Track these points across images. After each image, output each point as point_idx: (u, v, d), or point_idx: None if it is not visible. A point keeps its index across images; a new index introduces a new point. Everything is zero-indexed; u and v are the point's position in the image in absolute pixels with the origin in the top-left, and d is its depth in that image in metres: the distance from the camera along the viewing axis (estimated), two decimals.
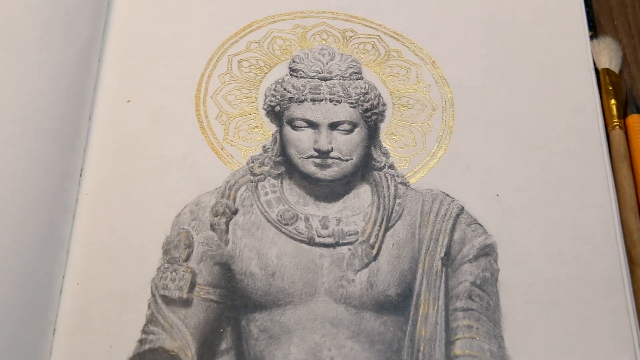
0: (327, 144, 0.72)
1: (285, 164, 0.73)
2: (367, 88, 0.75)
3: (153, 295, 0.67)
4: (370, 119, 0.74)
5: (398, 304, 0.68)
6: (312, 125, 0.73)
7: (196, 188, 0.72)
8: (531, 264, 0.70)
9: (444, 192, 0.73)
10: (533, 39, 0.82)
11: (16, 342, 0.63)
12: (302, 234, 0.70)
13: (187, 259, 0.69)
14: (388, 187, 0.72)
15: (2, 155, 0.67)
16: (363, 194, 0.72)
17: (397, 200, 0.72)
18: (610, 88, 0.79)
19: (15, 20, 0.73)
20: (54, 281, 0.67)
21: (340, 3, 0.82)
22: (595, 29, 0.84)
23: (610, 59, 0.81)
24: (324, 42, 0.80)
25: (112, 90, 0.77)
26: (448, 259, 0.70)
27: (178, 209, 0.71)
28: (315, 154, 0.72)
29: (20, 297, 0.64)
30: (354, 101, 0.74)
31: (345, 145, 0.72)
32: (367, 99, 0.74)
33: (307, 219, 0.71)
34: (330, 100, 0.73)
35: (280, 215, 0.71)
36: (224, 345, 0.66)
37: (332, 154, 0.72)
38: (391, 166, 0.74)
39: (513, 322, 0.67)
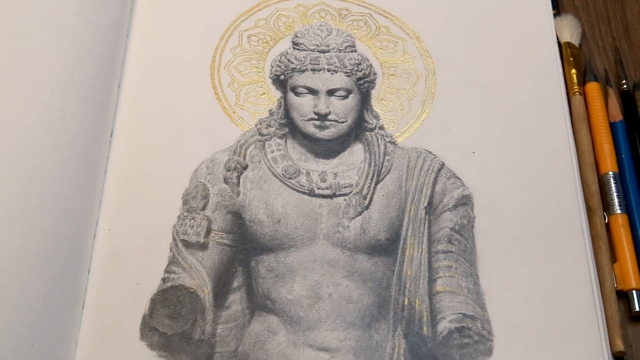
0: (325, 108, 0.72)
1: (289, 126, 0.73)
2: (360, 59, 0.75)
3: (174, 239, 0.67)
4: (363, 86, 0.74)
5: (387, 247, 0.68)
6: (312, 91, 0.72)
7: (211, 146, 0.72)
8: (502, 212, 0.70)
9: (427, 150, 0.73)
10: (505, 16, 0.81)
11: (56, 279, 0.63)
12: (304, 186, 0.70)
13: (203, 208, 0.69)
14: (378, 145, 0.72)
15: (48, 117, 0.67)
16: (357, 151, 0.72)
17: (386, 157, 0.72)
18: (571, 59, 0.79)
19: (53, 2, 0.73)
20: (89, 227, 0.67)
21: None
22: (558, 8, 0.84)
23: (571, 34, 0.81)
24: (322, 20, 0.80)
25: (138, 62, 0.77)
26: (430, 208, 0.70)
27: (195, 165, 0.71)
28: (315, 116, 0.72)
29: (61, 240, 0.64)
30: (348, 71, 0.73)
31: (341, 109, 0.72)
32: (360, 69, 0.74)
33: (308, 174, 0.70)
34: (328, 70, 0.73)
35: (285, 170, 0.71)
36: (235, 283, 0.66)
37: (329, 117, 0.72)
38: (381, 127, 0.74)
39: (487, 262, 0.68)
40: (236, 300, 0.66)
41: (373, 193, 0.70)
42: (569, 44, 0.80)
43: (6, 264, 0.60)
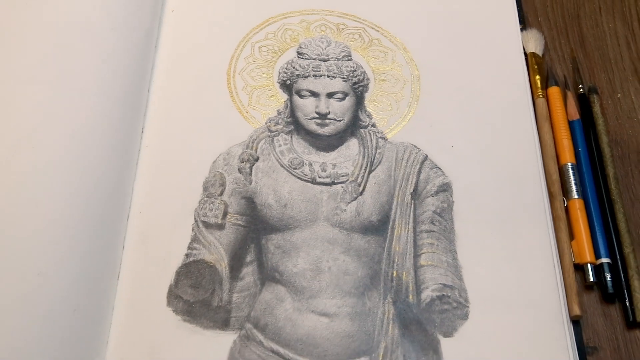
0: (325, 108, 0.72)
1: (294, 124, 0.73)
2: (355, 67, 0.75)
3: (195, 221, 0.67)
4: (358, 89, 0.74)
5: (378, 227, 0.68)
6: (314, 94, 0.73)
7: (227, 141, 0.72)
8: (477, 198, 0.70)
9: (412, 144, 0.73)
10: (479, 30, 0.81)
11: (96, 254, 0.63)
12: (307, 175, 0.70)
13: (221, 194, 0.69)
14: (371, 140, 0.72)
15: (90, 117, 0.67)
16: (352, 145, 0.72)
17: (378, 150, 0.72)
18: (536, 67, 0.79)
19: (91, 16, 0.73)
20: (123, 210, 0.68)
21: (335, 3, 0.82)
22: (524, 23, 0.83)
23: (535, 45, 0.81)
24: (323, 33, 0.79)
25: (165, 70, 0.77)
26: (416, 194, 0.70)
27: (214, 157, 0.71)
28: (317, 116, 0.72)
29: (100, 221, 0.65)
30: (345, 76, 0.74)
31: (339, 109, 0.72)
32: (355, 75, 0.74)
33: (310, 164, 0.71)
34: (328, 76, 0.73)
35: (290, 162, 0.71)
36: (248, 258, 0.66)
37: (329, 116, 0.72)
38: (373, 125, 0.74)
39: (463, 240, 0.68)
40: (249, 273, 0.66)
41: (366, 181, 0.70)
42: (533, 54, 0.80)
43: (57, 241, 0.61)
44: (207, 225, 0.67)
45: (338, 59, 0.75)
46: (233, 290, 0.64)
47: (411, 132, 0.74)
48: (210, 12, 0.81)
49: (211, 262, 0.65)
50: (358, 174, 0.70)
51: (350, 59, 0.76)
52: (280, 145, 0.72)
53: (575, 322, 0.65)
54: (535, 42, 0.81)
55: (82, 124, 0.67)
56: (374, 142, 0.73)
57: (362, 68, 0.76)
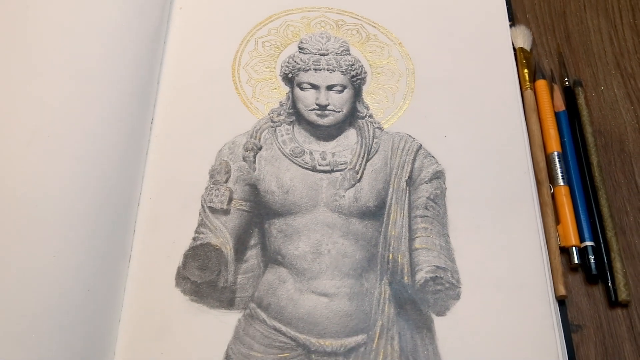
0: (325, 100, 0.72)
1: (295, 115, 0.73)
2: (353, 61, 0.75)
3: (202, 206, 0.67)
4: (356, 82, 0.74)
5: (375, 212, 0.68)
6: (315, 87, 0.73)
7: (232, 131, 0.72)
8: (468, 184, 0.70)
9: (407, 134, 0.73)
10: (471, 26, 0.81)
11: (109, 238, 0.64)
12: (308, 163, 0.70)
13: (226, 181, 0.69)
14: (368, 130, 0.72)
15: (103, 108, 0.68)
16: (351, 135, 0.72)
17: (375, 140, 0.72)
18: (524, 61, 0.79)
19: (106, 15, 0.73)
20: (134, 196, 0.68)
21: (334, 1, 0.82)
22: (513, 20, 0.83)
23: (524, 41, 0.80)
24: (322, 29, 0.79)
25: (173, 64, 0.77)
26: (410, 181, 0.70)
27: (220, 146, 0.71)
28: (317, 107, 0.72)
29: (113, 207, 0.65)
30: (344, 70, 0.74)
31: (338, 101, 0.72)
32: (353, 69, 0.74)
33: (311, 153, 0.71)
34: (327, 70, 0.73)
35: (292, 151, 0.71)
36: (252, 242, 0.66)
37: (328, 107, 0.72)
38: (370, 116, 0.73)
39: (456, 224, 0.68)
40: (253, 255, 0.66)
41: (364, 169, 0.70)
42: (522, 49, 0.80)
43: (72, 225, 0.61)
44: (213, 210, 0.67)
45: (337, 54, 0.75)
46: (238, 271, 0.65)
47: (406, 123, 0.74)
48: (216, 10, 0.81)
49: (217, 245, 0.65)
50: (356, 162, 0.70)
51: (349, 54, 0.76)
52: (282, 135, 0.72)
53: (561, 301, 0.66)
54: (523, 38, 0.81)
55: (96, 116, 0.67)
56: (371, 132, 0.72)
57: (359, 62, 0.76)
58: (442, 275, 0.65)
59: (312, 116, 0.72)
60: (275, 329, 0.62)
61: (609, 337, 0.65)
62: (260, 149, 0.71)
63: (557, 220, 0.70)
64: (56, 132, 0.64)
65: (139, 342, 0.61)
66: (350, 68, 0.74)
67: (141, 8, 0.76)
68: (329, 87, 0.73)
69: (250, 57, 0.77)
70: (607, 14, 0.86)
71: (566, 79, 0.79)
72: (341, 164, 0.70)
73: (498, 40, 0.80)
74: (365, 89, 0.75)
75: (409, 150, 0.72)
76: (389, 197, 0.69)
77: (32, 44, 0.69)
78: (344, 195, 0.68)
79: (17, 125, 0.64)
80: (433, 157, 0.71)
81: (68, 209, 0.61)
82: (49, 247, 0.59)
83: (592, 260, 0.67)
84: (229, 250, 0.65)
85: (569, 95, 0.78)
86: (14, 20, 0.70)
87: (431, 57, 0.79)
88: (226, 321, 0.62)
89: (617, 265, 0.67)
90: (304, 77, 0.73)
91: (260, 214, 0.68)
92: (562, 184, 0.71)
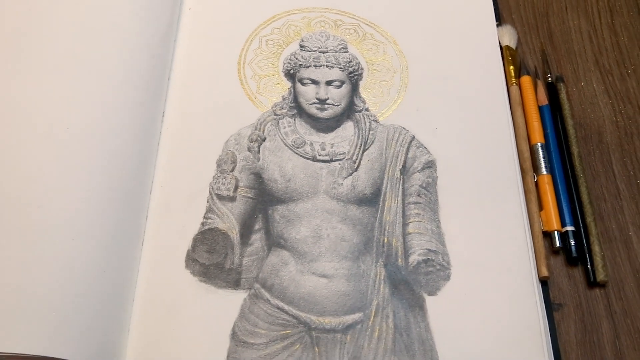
0: (325, 95, 0.72)
1: (297, 108, 0.73)
2: (351, 58, 0.75)
3: (210, 193, 0.67)
4: (353, 78, 0.74)
5: (371, 199, 0.68)
6: (315, 82, 0.73)
7: (238, 123, 0.72)
8: (458, 174, 0.70)
9: (401, 126, 0.73)
10: (460, 26, 0.80)
11: (123, 223, 0.64)
12: (308, 154, 0.70)
13: (232, 170, 0.69)
14: (365, 123, 0.72)
15: (118, 102, 0.68)
16: (348, 127, 0.72)
17: (371, 132, 0.72)
18: (510, 58, 0.79)
19: (119, 16, 0.73)
20: (147, 184, 0.68)
21: (333, 2, 0.81)
22: (500, 20, 0.83)
23: (509, 39, 0.80)
24: (322, 28, 0.79)
25: (183, 60, 0.76)
26: (404, 170, 0.70)
27: (226, 137, 0.71)
28: (317, 101, 0.72)
29: (127, 194, 0.65)
30: (342, 66, 0.74)
31: (337, 95, 0.72)
32: (351, 65, 0.74)
33: (311, 144, 0.71)
34: (327, 66, 0.73)
35: (294, 142, 0.71)
36: (257, 226, 0.66)
37: (328, 101, 0.72)
38: (367, 109, 0.73)
39: (446, 211, 0.68)
40: (257, 239, 0.66)
41: (361, 159, 0.70)
42: (508, 47, 0.80)
43: (89, 211, 0.61)
44: (220, 197, 0.67)
45: (336, 51, 0.75)
46: (243, 254, 0.65)
47: (400, 116, 0.74)
48: (223, 10, 0.81)
49: (224, 230, 0.66)
50: (353, 153, 0.70)
51: (347, 51, 0.76)
52: (284, 127, 0.72)
53: (544, 282, 0.66)
54: (509, 37, 0.81)
55: (111, 109, 0.67)
56: (368, 124, 0.72)
57: (357, 59, 0.76)
58: (433, 258, 0.65)
59: (313, 109, 0.72)
60: (278, 308, 0.62)
61: (587, 315, 0.65)
62: (264, 140, 0.71)
63: (540, 207, 0.70)
64: (77, 125, 0.64)
65: (151, 319, 0.61)
66: (348, 65, 0.74)
67: (153, 10, 0.76)
68: (328, 83, 0.73)
69: (254, 55, 0.77)
70: (587, 14, 0.86)
71: (549, 75, 0.79)
72: (339, 154, 0.70)
73: (486, 39, 0.80)
74: (362, 84, 0.75)
75: (402, 141, 0.72)
76: (384, 185, 0.69)
77: (56, 45, 0.69)
78: (342, 183, 0.68)
79: (39, 117, 0.64)
80: (425, 147, 0.71)
81: (87, 196, 0.61)
82: (68, 231, 0.59)
83: (573, 244, 0.68)
84: (235, 234, 0.65)
85: (552, 90, 0.78)
86: (31, 22, 0.70)
87: (424, 55, 0.78)
88: (232, 300, 0.62)
89: (596, 248, 0.67)
90: (304, 73, 0.73)
91: (264, 200, 0.68)
92: (545, 172, 0.71)
